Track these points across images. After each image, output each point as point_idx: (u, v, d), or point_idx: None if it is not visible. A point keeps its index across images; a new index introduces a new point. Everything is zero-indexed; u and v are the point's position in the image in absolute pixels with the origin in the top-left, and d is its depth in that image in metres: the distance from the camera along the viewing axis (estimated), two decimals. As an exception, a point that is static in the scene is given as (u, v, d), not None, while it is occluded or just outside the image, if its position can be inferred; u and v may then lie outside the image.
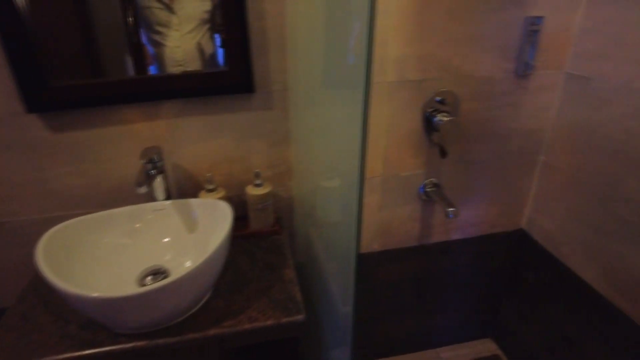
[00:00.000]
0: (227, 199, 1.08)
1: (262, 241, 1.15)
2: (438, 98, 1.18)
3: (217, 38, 1.05)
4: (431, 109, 1.19)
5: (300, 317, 0.90)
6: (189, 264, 0.97)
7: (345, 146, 0.76)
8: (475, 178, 1.35)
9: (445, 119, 1.15)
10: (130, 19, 1.01)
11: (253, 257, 1.08)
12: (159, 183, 1.02)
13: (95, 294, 0.74)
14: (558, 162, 1.31)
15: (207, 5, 1.02)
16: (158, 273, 0.96)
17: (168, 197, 1.05)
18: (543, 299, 1.44)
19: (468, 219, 1.43)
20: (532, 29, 1.16)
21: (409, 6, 1.05)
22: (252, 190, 1.11)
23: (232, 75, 1.05)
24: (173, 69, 1.05)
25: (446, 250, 1.47)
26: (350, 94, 0.67)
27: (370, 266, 1.41)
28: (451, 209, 1.21)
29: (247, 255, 1.09)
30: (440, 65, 1.14)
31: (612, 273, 1.16)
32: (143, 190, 0.91)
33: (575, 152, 1.24)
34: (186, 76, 1.05)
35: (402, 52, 1.10)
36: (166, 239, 1.02)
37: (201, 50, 1.06)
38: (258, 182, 1.11)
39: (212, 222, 0.98)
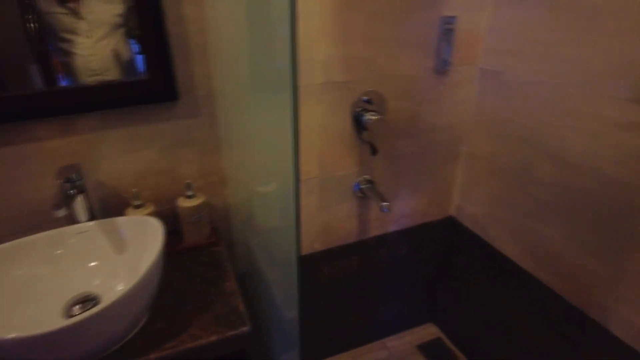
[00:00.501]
0: (157, 214, 1.03)
1: (199, 255, 1.10)
2: (365, 98, 1.21)
3: (135, 44, 0.99)
4: (359, 109, 1.22)
5: (245, 328, 0.88)
6: (121, 288, 0.90)
7: (279, 150, 0.75)
8: (405, 172, 1.41)
9: (373, 117, 1.18)
10: (31, 25, 0.92)
11: (191, 273, 1.04)
12: (80, 203, 0.94)
13: (11, 335, 0.66)
14: (479, 151, 1.41)
15: (119, 9, 0.95)
16: (87, 300, 0.89)
17: (92, 217, 0.97)
18: (476, 280, 1.54)
19: (401, 211, 1.49)
20: (447, 28, 1.23)
21: (331, 9, 1.07)
22: (183, 203, 1.07)
23: (153, 83, 0.99)
24: (89, 79, 0.97)
25: (384, 243, 1.52)
26: (278, 98, 0.66)
27: (313, 267, 1.42)
28: (385, 204, 1.25)
29: (184, 271, 1.04)
30: (365, 65, 1.17)
31: (533, 250, 1.27)
32: (61, 212, 0.84)
33: (493, 141, 1.34)
34: (103, 87, 0.98)
35: (328, 54, 1.11)
36: (93, 263, 0.94)
37: (119, 58, 0.99)
38: (189, 193, 1.07)
39: (143, 240, 0.92)
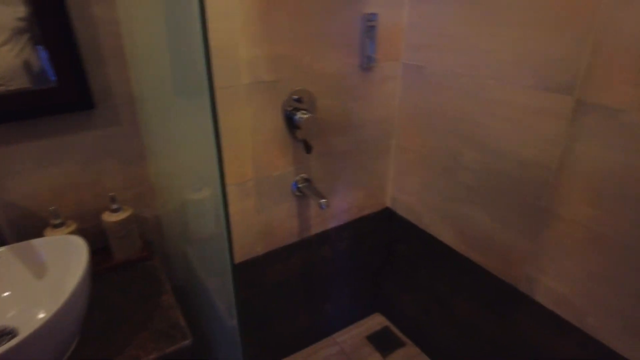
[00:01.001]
0: (81, 231, 0.95)
1: (132, 271, 1.04)
2: (295, 97, 1.21)
3: (44, 50, 0.91)
4: (291, 108, 1.22)
5: (186, 342, 0.84)
6: (42, 316, 0.83)
7: (205, 154, 0.72)
8: (340, 168, 1.43)
9: (305, 116, 1.18)
10: None
11: (124, 290, 0.98)
12: (-15, 228, 0.84)
13: None
14: (408, 143, 1.47)
15: (20, 12, 0.87)
16: (3, 335, 0.80)
17: (1, 243, 0.88)
18: (416, 267, 1.61)
19: (340, 207, 1.51)
20: (369, 25, 1.26)
21: (253, 8, 1.05)
22: (109, 217, 1.00)
23: (64, 92, 0.92)
24: (-10, 89, 0.88)
25: (325, 240, 1.53)
26: (198, 100, 0.64)
27: (256, 271, 1.39)
28: (323, 200, 1.26)
29: (117, 289, 0.98)
30: (292, 64, 1.17)
31: (464, 232, 1.34)
32: (-38, 240, 0.75)
33: (420, 133, 1.40)
34: (5, 97, 0.89)
35: (254, 53, 1.09)
36: (6, 293, 0.85)
37: (26, 65, 0.91)
38: (115, 206, 1.00)
39: (65, 261, 0.85)
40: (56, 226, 0.96)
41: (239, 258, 1.33)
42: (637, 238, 0.91)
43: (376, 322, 1.84)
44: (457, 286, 1.43)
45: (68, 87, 0.92)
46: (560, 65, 0.96)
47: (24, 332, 0.66)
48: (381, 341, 1.74)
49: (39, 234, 0.96)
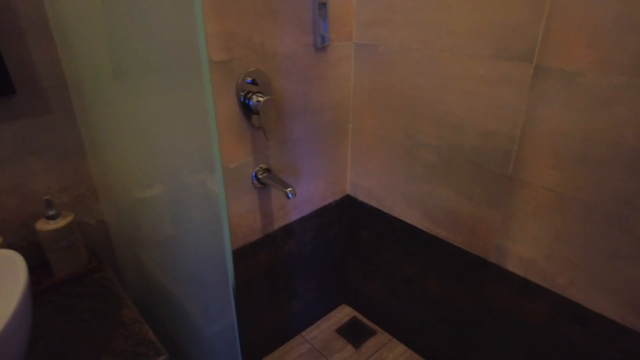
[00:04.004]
0: (8, 246, 0.78)
1: (80, 286, 0.88)
2: (249, 79, 1.12)
3: None
4: (245, 92, 1.12)
5: (162, 357, 0.72)
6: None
7: (172, 143, 0.62)
8: (299, 155, 1.36)
9: (262, 99, 1.09)
10: None
11: (72, 310, 0.82)
12: None
13: None
14: (364, 126, 1.43)
15: None
16: None
17: None
18: (380, 252, 1.58)
19: (302, 197, 1.43)
20: (321, 2, 1.20)
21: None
22: (45, 226, 0.83)
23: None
24: None
25: (290, 233, 1.45)
26: (174, 79, 0.54)
27: (218, 274, 1.27)
28: (289, 189, 1.17)
29: (64, 311, 0.82)
30: (243, 43, 1.07)
31: (429, 210, 1.33)
32: None
33: (376, 115, 1.37)
34: None
35: (202, 30, 0.98)
36: None
37: None
38: (52, 212, 0.83)
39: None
40: (-27, 243, 0.78)
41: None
42: (597, 196, 0.95)
43: (343, 313, 1.79)
44: (424, 265, 1.43)
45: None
46: (518, 33, 0.98)
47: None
48: (351, 333, 1.69)
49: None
